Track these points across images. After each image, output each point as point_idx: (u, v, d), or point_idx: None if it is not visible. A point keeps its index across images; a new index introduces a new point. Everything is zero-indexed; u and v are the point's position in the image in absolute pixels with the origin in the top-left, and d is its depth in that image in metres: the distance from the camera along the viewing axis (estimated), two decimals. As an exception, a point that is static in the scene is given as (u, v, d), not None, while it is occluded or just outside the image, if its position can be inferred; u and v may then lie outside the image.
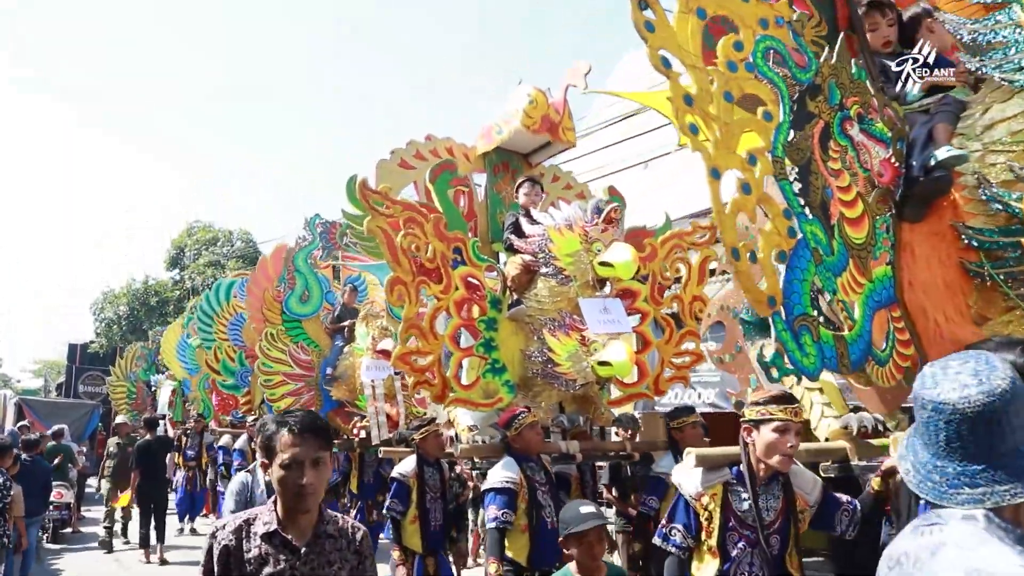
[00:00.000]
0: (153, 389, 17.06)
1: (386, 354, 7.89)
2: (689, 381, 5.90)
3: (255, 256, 22.18)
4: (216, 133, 78.31)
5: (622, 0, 2.52)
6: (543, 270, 5.01)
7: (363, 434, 7.95)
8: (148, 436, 10.79)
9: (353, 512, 8.75)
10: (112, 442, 11.88)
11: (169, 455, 11.68)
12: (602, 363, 4.74)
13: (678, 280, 5.93)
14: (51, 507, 10.28)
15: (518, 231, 5.33)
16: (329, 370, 8.84)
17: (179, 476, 12.83)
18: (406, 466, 5.49)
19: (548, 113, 5.53)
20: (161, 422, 13.84)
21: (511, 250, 5.32)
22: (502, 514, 4.16)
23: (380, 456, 7.88)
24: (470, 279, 4.94)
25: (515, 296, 5.05)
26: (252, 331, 9.40)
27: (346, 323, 8.97)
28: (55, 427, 12.73)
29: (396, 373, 8.48)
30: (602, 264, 4.79)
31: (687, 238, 5.85)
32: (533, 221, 5.38)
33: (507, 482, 4.22)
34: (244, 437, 9.90)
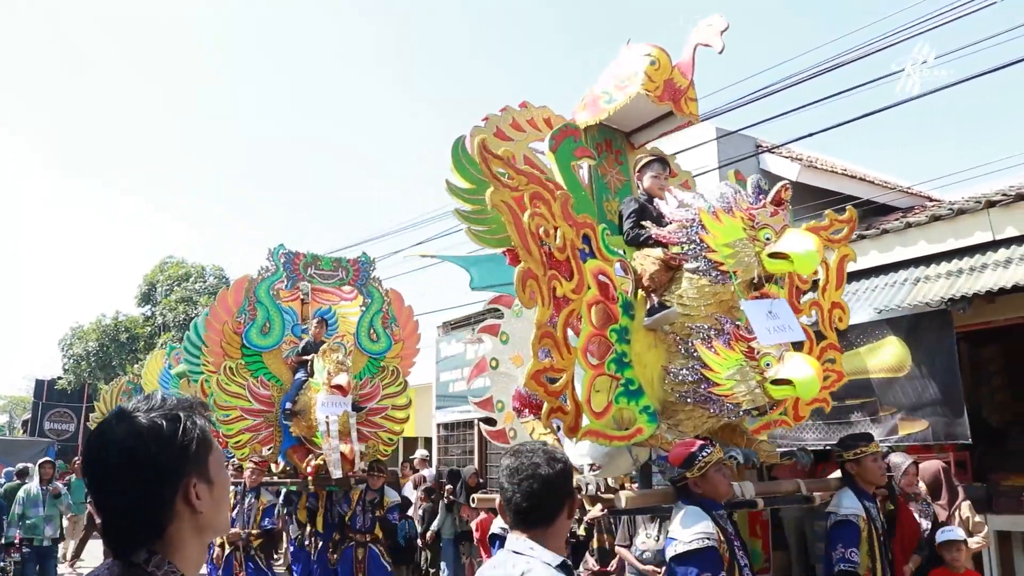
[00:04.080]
0: None
1: (341, 389, 7.72)
2: (831, 404, 4.89)
3: (227, 292, 21.31)
4: (189, 168, 75.74)
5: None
6: (689, 265, 3.95)
7: (320, 471, 7.83)
8: None
9: (314, 551, 8.50)
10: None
11: None
12: (779, 382, 3.69)
13: (815, 284, 4.96)
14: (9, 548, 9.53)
15: (642, 220, 4.29)
16: (289, 404, 8.50)
17: None
18: None
19: (673, 77, 4.49)
20: None
21: (634, 243, 4.26)
22: None
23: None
24: (601, 277, 3.86)
25: (655, 299, 3.99)
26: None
27: (309, 357, 8.58)
28: (19, 466, 11.68)
29: (356, 409, 8.26)
30: (774, 256, 3.76)
31: (823, 233, 4.87)
32: (658, 211, 4.36)
33: (706, 539, 3.13)
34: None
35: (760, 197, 3.87)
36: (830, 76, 8.14)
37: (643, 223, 4.15)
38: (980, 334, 7.52)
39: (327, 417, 7.71)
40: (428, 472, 11.73)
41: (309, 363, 8.50)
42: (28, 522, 9.42)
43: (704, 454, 3.36)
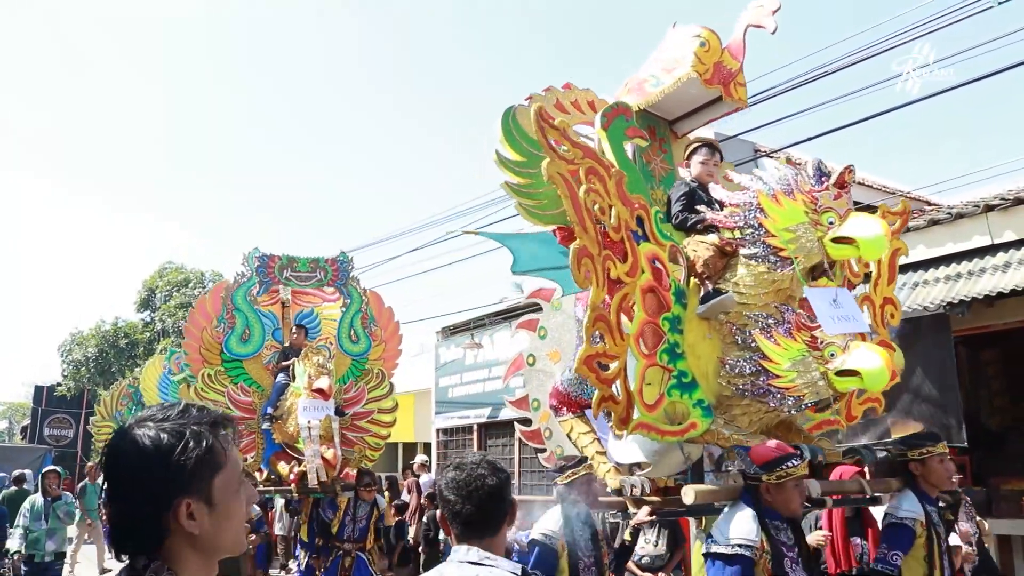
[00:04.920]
0: None
1: (322, 393, 7.48)
2: (883, 405, 4.66)
3: (226, 299, 21.17)
4: (190, 174, 75.71)
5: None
6: (745, 251, 3.74)
7: (307, 478, 7.52)
8: None
9: (298, 563, 8.22)
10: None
11: None
12: (845, 373, 3.47)
13: (867, 278, 4.74)
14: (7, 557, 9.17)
15: (691, 206, 4.09)
16: (270, 410, 8.24)
17: None
18: None
19: (723, 60, 4.30)
20: None
21: (683, 228, 4.05)
22: None
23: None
24: (655, 262, 3.65)
25: (709, 286, 3.77)
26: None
27: (289, 362, 8.35)
28: (16, 472, 11.52)
29: (340, 414, 8.04)
30: (838, 241, 3.55)
31: (874, 226, 4.66)
32: (710, 196, 4.16)
33: (742, 547, 2.95)
34: None
35: (823, 179, 3.67)
36: (828, 80, 8.00)
37: (697, 207, 3.94)
38: (979, 338, 7.44)
39: (308, 422, 7.50)
40: (427, 478, 11.53)
41: (290, 367, 8.27)
42: (30, 536, 9.06)
43: (789, 464, 3.14)
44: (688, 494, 3.32)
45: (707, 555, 3.17)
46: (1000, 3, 7.04)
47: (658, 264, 3.65)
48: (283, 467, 8.07)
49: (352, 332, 8.87)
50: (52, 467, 9.82)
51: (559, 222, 3.58)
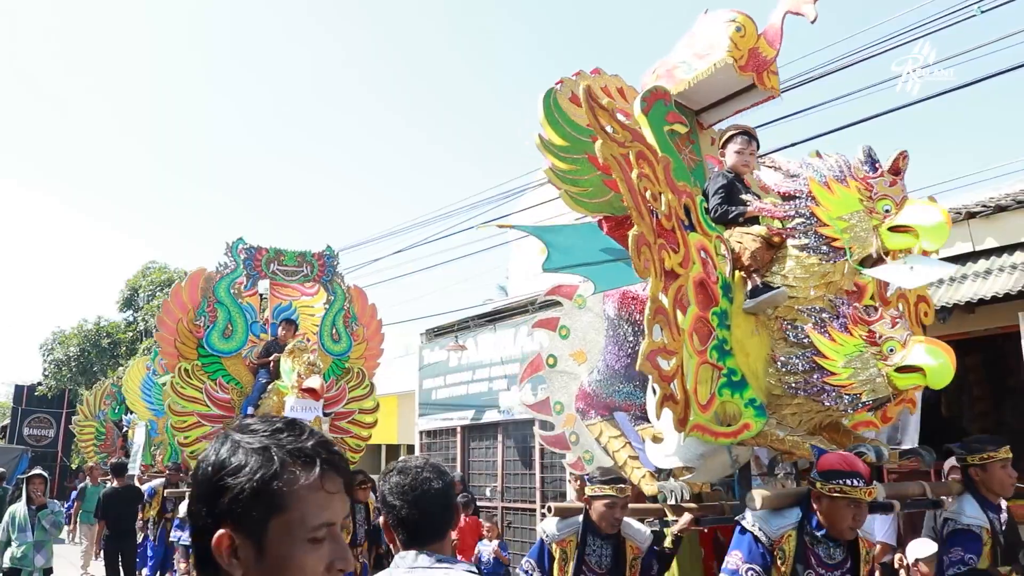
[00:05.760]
0: (124, 430, 14.90)
1: (313, 393, 7.11)
2: (917, 405, 4.51)
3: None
4: (173, 174, 73.91)
5: None
6: (796, 241, 3.55)
7: None
8: (115, 483, 9.69)
9: None
10: None
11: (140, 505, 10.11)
12: (906, 369, 3.29)
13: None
14: None
15: (731, 197, 3.89)
16: (251, 410, 7.80)
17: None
18: None
19: (758, 46, 4.13)
20: (133, 467, 12.08)
21: (723, 220, 3.85)
22: None
23: None
24: (703, 252, 3.45)
25: (756, 279, 3.57)
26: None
27: (272, 358, 7.89)
28: None
29: (326, 414, 7.65)
30: (895, 230, 3.38)
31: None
32: (746, 187, 3.98)
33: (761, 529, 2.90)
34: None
35: (875, 166, 3.50)
36: (823, 83, 7.99)
37: (742, 196, 3.74)
38: (960, 344, 7.42)
39: None
40: None
41: (272, 364, 7.91)
42: (15, 551, 7.94)
43: (847, 482, 2.93)
44: (755, 499, 3.09)
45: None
46: (983, 11, 7.08)
47: (705, 255, 3.45)
48: None
49: (334, 331, 8.58)
50: (38, 471, 8.59)
51: (605, 210, 3.38)
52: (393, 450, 15.40)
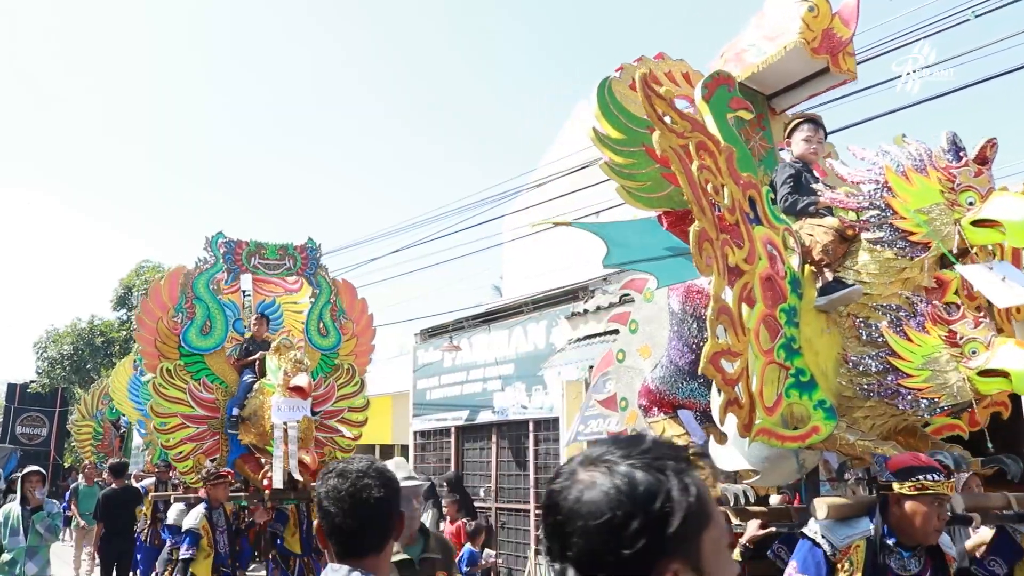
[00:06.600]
0: (122, 431, 14.95)
1: (301, 391, 6.81)
2: (1009, 409, 4.23)
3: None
4: (167, 172, 75.66)
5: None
6: (870, 235, 3.35)
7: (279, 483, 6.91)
8: (114, 484, 9.60)
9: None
10: None
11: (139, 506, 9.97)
12: (989, 372, 3.08)
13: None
14: None
15: (800, 187, 3.71)
16: (236, 411, 7.57)
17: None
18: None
19: (833, 27, 3.92)
20: (135, 468, 12.10)
21: (792, 212, 3.67)
22: None
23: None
24: (770, 246, 3.29)
25: (828, 274, 3.39)
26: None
27: (256, 357, 7.66)
28: None
29: (314, 413, 7.38)
30: (979, 224, 3.15)
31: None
32: (816, 176, 3.79)
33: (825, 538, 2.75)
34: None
35: (959, 155, 3.27)
36: None
37: (813, 186, 3.56)
38: None
39: (285, 423, 6.80)
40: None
41: (257, 362, 7.70)
42: (5, 557, 7.00)
43: (928, 477, 2.75)
44: (821, 508, 2.95)
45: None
46: (976, 16, 6.76)
47: (772, 250, 3.29)
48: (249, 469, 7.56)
49: (321, 325, 8.31)
50: (35, 468, 7.70)
51: (665, 205, 3.25)
52: (387, 450, 15.60)
